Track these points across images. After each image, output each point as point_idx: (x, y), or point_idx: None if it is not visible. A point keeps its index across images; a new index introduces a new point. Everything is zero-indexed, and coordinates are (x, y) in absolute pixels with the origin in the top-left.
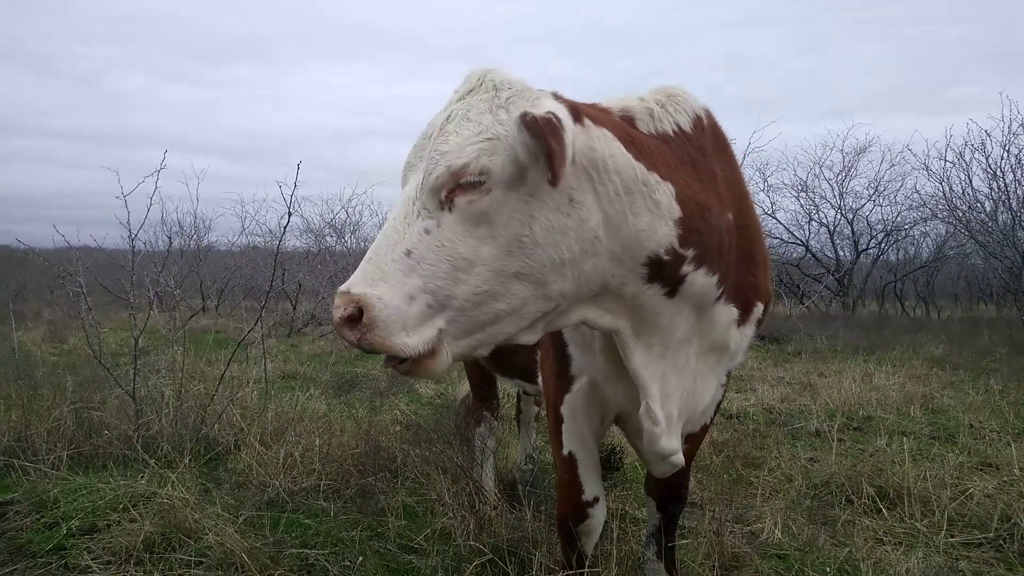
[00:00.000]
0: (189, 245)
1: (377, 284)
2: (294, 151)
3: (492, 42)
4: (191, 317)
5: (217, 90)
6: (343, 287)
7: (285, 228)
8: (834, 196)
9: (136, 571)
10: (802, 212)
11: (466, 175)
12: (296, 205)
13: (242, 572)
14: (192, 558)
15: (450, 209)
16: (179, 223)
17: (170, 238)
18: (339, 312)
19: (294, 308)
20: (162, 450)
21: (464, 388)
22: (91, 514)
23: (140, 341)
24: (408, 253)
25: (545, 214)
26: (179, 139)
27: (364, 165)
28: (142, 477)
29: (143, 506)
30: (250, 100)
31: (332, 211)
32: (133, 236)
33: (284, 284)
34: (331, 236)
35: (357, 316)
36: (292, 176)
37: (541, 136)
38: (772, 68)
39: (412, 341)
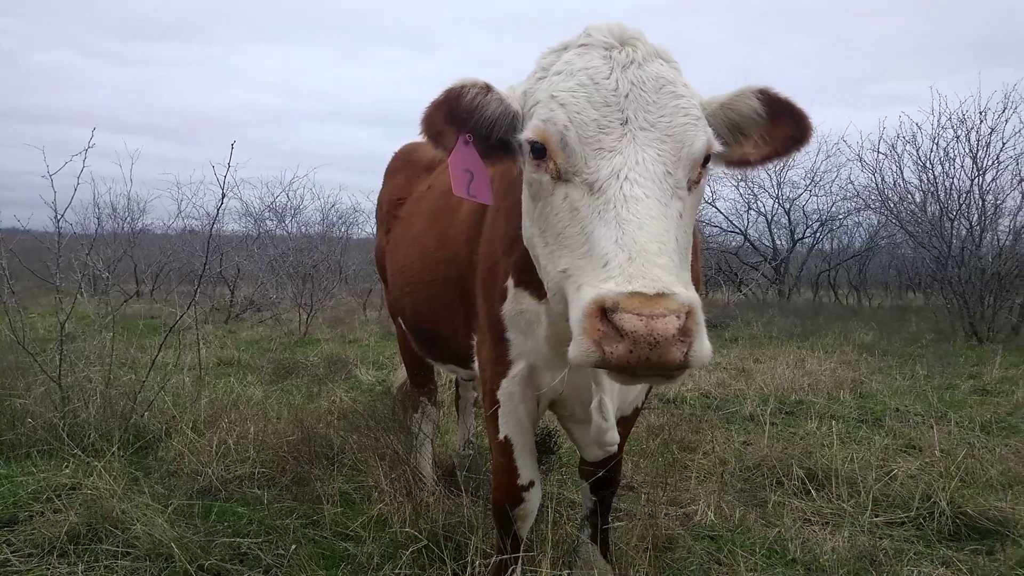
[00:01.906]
0: (122, 228)
1: (679, 281)
2: (231, 132)
3: (431, 25)
4: (124, 302)
5: (148, 69)
6: (654, 287)
7: (219, 209)
8: (772, 186)
9: (59, 563)
10: (741, 201)
11: (713, 147)
12: (235, 187)
13: (171, 562)
14: (119, 549)
15: (690, 189)
16: (112, 205)
17: (98, 219)
18: (674, 323)
19: (232, 293)
20: (89, 439)
21: (400, 374)
22: (12, 505)
23: (68, 326)
24: (676, 241)
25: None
26: (111, 118)
27: (304, 147)
28: (67, 466)
29: (67, 496)
30: (184, 80)
31: (272, 194)
32: (59, 217)
33: (222, 268)
34: (271, 220)
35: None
36: (228, 158)
37: (797, 113)
38: (707, 56)
39: None
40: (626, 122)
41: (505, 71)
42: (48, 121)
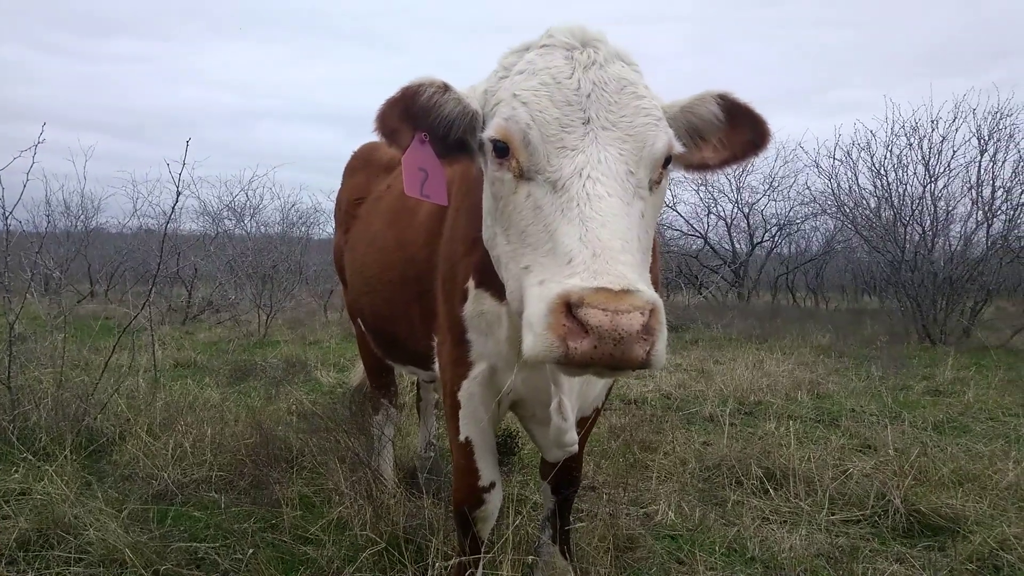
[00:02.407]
0: (76, 226)
1: (642, 280)
2: (188, 131)
3: (391, 27)
4: (77, 303)
5: (102, 65)
6: (619, 284)
7: (174, 207)
8: (731, 190)
9: (9, 571)
10: (701, 205)
11: (674, 148)
12: (192, 186)
13: (125, 568)
14: (71, 555)
15: (651, 189)
16: (65, 203)
17: (48, 216)
18: (638, 320)
19: (189, 294)
20: (40, 442)
21: (357, 373)
22: None
23: (18, 327)
24: (639, 240)
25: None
26: (62, 114)
27: (263, 147)
28: (16, 471)
29: (17, 502)
30: (139, 78)
31: (231, 193)
32: (8, 214)
33: (179, 268)
34: (230, 219)
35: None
36: (184, 155)
37: (756, 118)
38: (662, 65)
39: None
40: (588, 121)
41: (467, 73)
42: None
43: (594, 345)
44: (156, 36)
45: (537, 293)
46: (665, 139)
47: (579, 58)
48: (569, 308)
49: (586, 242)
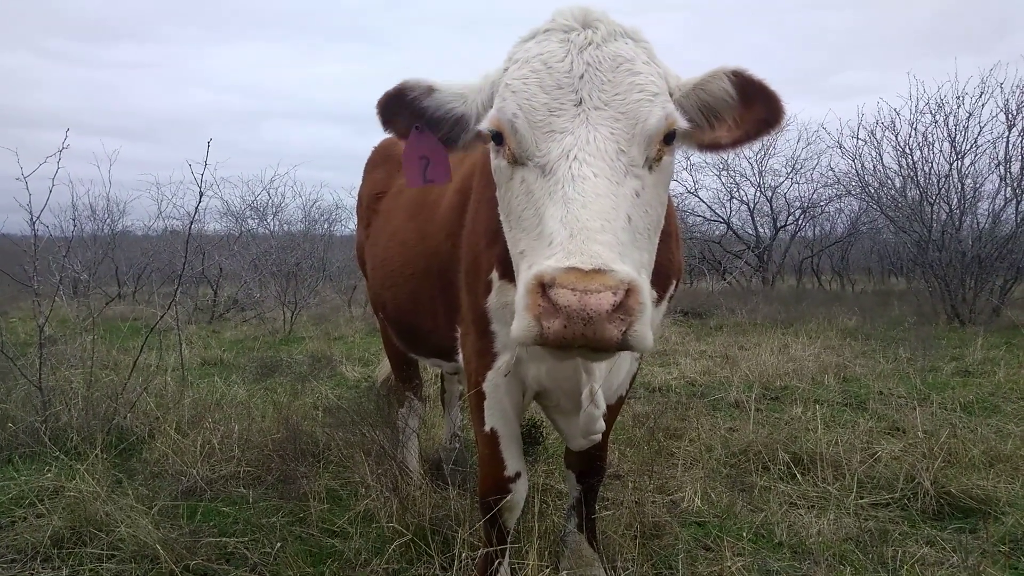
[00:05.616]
0: (102, 230)
1: (625, 259)
2: (198, 132)
3: (388, 23)
4: (106, 304)
5: (105, 71)
6: (591, 263)
7: (197, 208)
8: (754, 174)
9: (43, 568)
10: (723, 190)
11: (676, 123)
12: (215, 187)
13: (156, 564)
14: (104, 552)
15: (650, 168)
16: (91, 207)
17: (74, 220)
18: (608, 298)
19: (215, 293)
20: (71, 442)
21: (384, 368)
22: None
23: (49, 330)
24: (629, 219)
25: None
26: (74, 121)
27: (272, 146)
28: (49, 470)
29: (50, 501)
30: (144, 82)
31: (253, 192)
32: (35, 219)
33: (204, 268)
34: (253, 218)
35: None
36: (203, 156)
37: (770, 95)
38: (669, 53)
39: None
40: (580, 103)
41: (470, 69)
42: (11, 122)
43: (564, 325)
44: (155, 41)
45: (524, 276)
46: (660, 114)
47: (575, 40)
48: (544, 288)
49: (565, 223)
